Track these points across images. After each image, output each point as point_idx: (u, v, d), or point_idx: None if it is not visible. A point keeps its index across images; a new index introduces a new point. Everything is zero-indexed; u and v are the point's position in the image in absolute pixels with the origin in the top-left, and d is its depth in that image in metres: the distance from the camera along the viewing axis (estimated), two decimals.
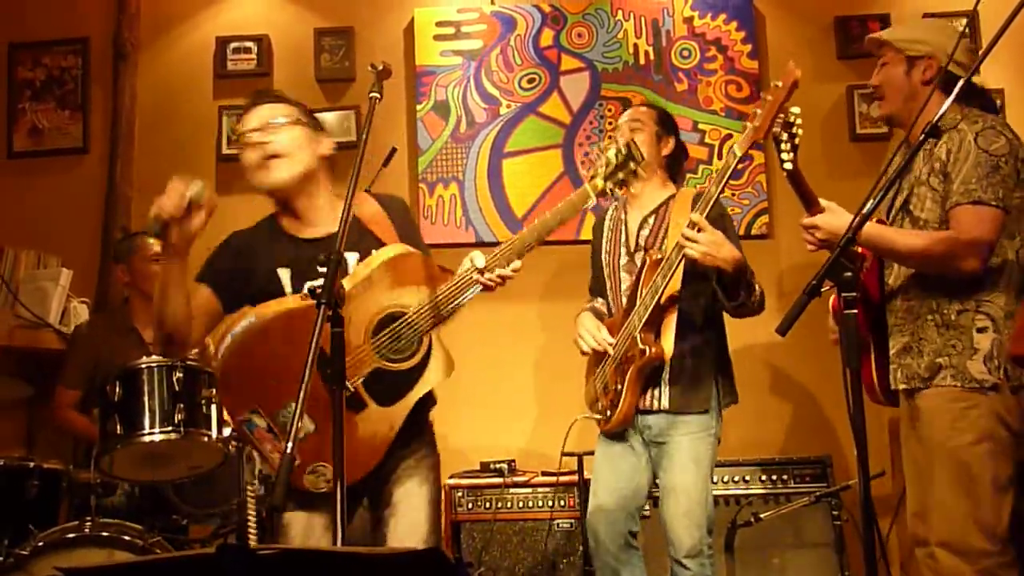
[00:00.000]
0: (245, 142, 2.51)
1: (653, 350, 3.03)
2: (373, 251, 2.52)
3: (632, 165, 2.53)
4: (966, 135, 2.68)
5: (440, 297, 2.45)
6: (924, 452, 2.69)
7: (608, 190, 2.53)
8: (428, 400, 2.59)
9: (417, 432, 2.58)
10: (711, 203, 2.94)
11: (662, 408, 3.11)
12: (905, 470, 2.80)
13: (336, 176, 2.69)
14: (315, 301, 2.03)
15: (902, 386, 2.75)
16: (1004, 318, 2.64)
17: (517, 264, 2.45)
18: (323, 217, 2.57)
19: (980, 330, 2.63)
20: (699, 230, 2.91)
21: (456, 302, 2.45)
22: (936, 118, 2.17)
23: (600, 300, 3.38)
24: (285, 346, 2.39)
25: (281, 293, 2.50)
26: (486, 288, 2.45)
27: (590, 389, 3.32)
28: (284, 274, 2.52)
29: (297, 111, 2.57)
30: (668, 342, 3.06)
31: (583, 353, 3.30)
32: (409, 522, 2.48)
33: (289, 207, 2.58)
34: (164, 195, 2.32)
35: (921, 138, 2.19)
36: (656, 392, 3.12)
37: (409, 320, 2.44)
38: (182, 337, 2.44)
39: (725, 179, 2.93)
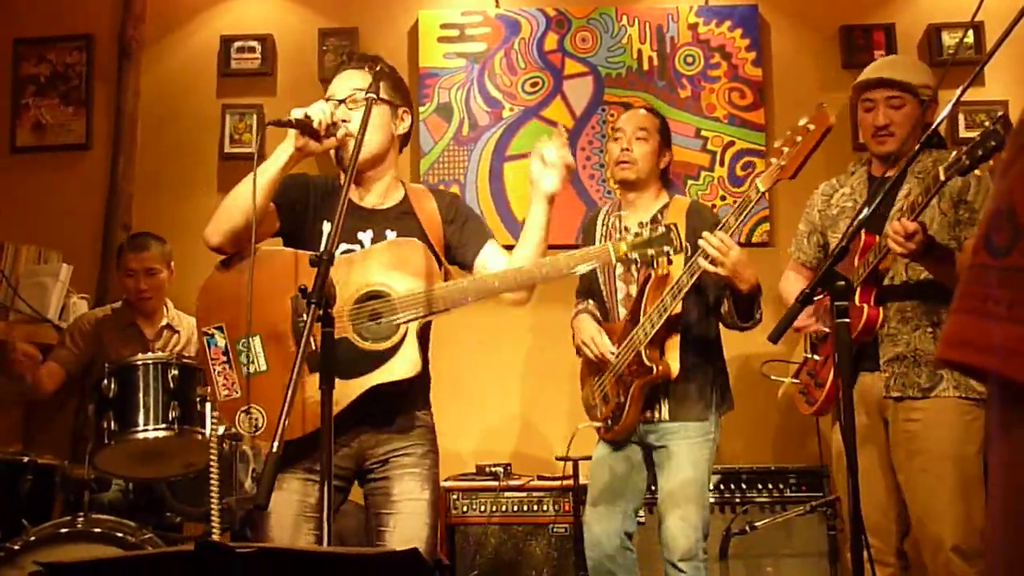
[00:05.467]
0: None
1: (660, 368, 3.03)
2: (412, 236, 2.54)
3: (666, 249, 2.44)
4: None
5: (430, 294, 2.41)
6: (925, 460, 2.81)
7: (631, 259, 2.45)
8: (414, 397, 2.56)
9: (406, 427, 2.54)
10: (729, 234, 2.90)
11: (662, 419, 3.14)
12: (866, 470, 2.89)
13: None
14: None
15: (895, 394, 2.85)
16: None
17: None
18: (382, 190, 2.62)
19: None
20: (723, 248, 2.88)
21: (441, 308, 2.43)
22: (934, 125, 2.21)
23: (591, 302, 3.37)
24: (271, 283, 2.41)
25: (318, 244, 2.50)
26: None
27: (588, 395, 3.32)
28: (325, 227, 2.55)
29: (383, 87, 2.53)
30: (674, 360, 3.06)
31: (579, 354, 3.29)
32: (410, 526, 2.46)
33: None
34: (317, 104, 2.44)
35: (916, 148, 2.22)
36: (656, 406, 3.14)
37: (392, 304, 2.41)
38: (247, 232, 2.39)
39: (745, 212, 2.89)
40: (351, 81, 2.58)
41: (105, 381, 3.16)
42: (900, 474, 2.90)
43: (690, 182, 4.53)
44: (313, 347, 2.34)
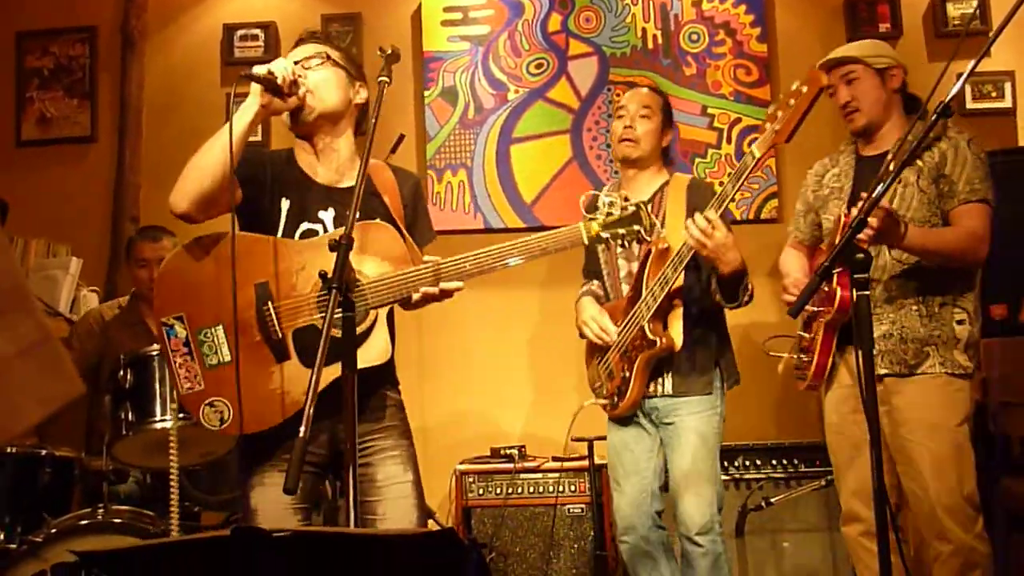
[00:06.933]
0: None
1: (664, 341, 3.04)
2: (377, 217, 2.48)
3: (636, 228, 2.40)
4: (958, 141, 2.94)
5: (398, 278, 2.35)
6: (909, 431, 2.89)
7: (603, 238, 2.41)
8: (382, 377, 2.49)
9: (378, 407, 2.50)
10: (726, 202, 2.90)
11: (666, 393, 3.15)
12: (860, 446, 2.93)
13: None
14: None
15: (884, 371, 2.92)
16: (974, 312, 2.94)
17: (460, 285, 2.37)
18: (339, 165, 2.53)
19: (959, 322, 2.91)
20: (713, 228, 2.87)
21: (407, 291, 2.36)
22: (948, 98, 2.19)
23: (596, 282, 3.39)
24: (229, 270, 2.28)
25: (277, 221, 2.46)
26: (428, 297, 2.38)
27: (593, 373, 3.34)
28: (284, 204, 2.48)
29: (337, 53, 2.54)
30: (677, 332, 3.07)
31: (581, 335, 3.31)
32: (399, 509, 2.44)
33: (308, 144, 2.54)
34: (279, 61, 2.38)
35: (934, 117, 2.21)
36: (660, 379, 3.15)
37: (361, 289, 2.33)
38: (215, 193, 2.32)
39: (743, 179, 2.87)
40: (305, 51, 2.54)
41: (121, 372, 3.17)
42: (891, 447, 2.94)
43: (697, 160, 4.52)
44: (279, 335, 2.33)
